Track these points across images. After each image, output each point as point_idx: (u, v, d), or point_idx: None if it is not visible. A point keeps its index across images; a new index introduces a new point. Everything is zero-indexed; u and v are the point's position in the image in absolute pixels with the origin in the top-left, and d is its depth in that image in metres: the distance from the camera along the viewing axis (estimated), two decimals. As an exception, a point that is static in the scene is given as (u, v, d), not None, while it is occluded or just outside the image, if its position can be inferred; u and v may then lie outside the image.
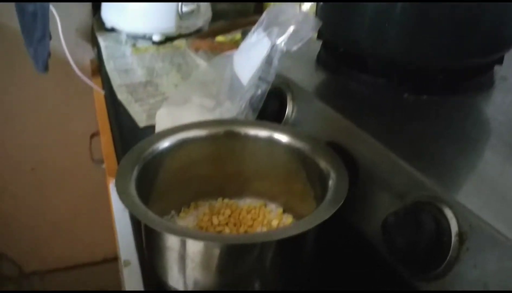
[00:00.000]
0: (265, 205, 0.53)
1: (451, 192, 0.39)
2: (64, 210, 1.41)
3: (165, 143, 0.48)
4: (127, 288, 0.62)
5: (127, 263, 0.64)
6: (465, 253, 0.36)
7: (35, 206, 1.38)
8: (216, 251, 0.38)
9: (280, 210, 0.52)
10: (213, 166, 0.52)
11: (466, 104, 0.55)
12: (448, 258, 0.37)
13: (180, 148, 0.50)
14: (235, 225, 0.49)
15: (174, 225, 0.37)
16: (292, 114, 0.58)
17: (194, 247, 0.38)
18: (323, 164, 0.46)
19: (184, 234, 0.36)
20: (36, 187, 1.35)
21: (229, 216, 0.50)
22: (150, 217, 0.38)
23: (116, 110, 0.80)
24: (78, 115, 1.27)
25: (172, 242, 0.39)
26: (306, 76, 0.62)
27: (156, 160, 0.47)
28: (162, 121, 0.65)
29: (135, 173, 0.44)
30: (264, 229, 0.49)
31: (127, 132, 0.73)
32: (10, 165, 1.30)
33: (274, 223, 0.50)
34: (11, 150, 1.29)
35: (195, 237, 0.36)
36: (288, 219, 0.51)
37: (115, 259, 0.63)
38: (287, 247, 0.39)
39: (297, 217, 0.51)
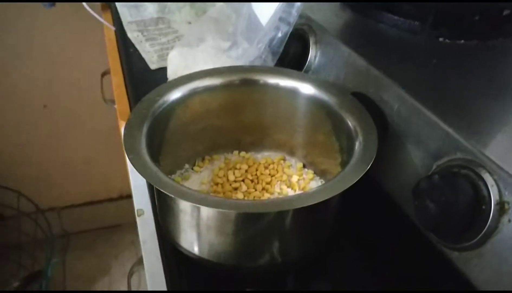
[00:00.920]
0: (284, 159, 0.50)
1: (492, 155, 0.34)
2: (79, 148, 1.41)
3: (176, 94, 0.44)
4: (141, 238, 0.60)
5: (140, 213, 0.62)
6: (506, 224, 0.33)
7: (49, 143, 1.37)
8: (232, 217, 0.35)
9: (300, 164, 0.49)
10: (229, 116, 0.49)
11: (509, 49, 0.50)
12: (485, 228, 0.34)
13: (192, 98, 0.46)
14: (252, 181, 0.46)
15: (187, 190, 0.34)
16: (315, 59, 0.53)
17: (208, 212, 0.35)
18: (350, 119, 0.42)
19: (197, 201, 0.33)
20: (50, 124, 1.33)
21: (246, 171, 0.47)
22: (161, 180, 0.35)
23: (127, 50, 0.75)
24: (88, 52, 1.23)
25: (184, 205, 0.36)
26: (331, 17, 0.57)
27: (167, 112, 0.44)
28: (174, 63, 0.61)
29: (145, 128, 0.40)
30: (283, 186, 0.46)
31: (138, 74, 0.69)
32: (22, 102, 1.28)
33: (294, 179, 0.47)
34: (22, 87, 1.26)
35: (209, 204, 0.33)
36: (308, 175, 0.47)
37: (130, 195, 0.61)
38: (308, 213, 0.36)
39: (318, 172, 0.48)
